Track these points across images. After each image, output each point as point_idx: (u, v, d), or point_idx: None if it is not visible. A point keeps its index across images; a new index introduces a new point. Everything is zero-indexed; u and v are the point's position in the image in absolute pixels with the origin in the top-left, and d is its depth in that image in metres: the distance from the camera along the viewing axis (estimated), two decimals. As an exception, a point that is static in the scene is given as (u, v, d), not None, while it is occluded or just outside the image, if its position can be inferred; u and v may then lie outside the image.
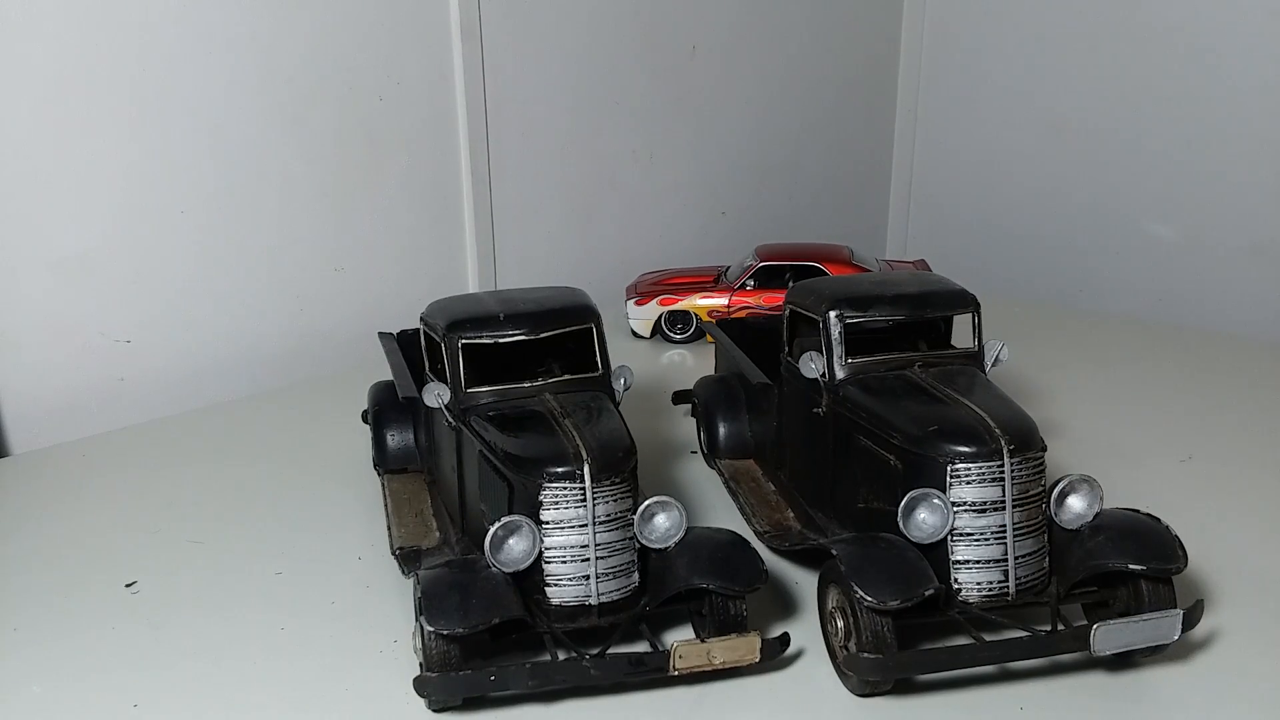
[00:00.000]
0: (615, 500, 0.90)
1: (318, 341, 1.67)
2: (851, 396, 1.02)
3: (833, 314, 1.04)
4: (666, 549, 0.91)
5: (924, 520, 0.90)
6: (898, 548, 0.89)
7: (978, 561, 0.90)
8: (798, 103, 2.24)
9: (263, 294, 1.61)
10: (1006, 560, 0.90)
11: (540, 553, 0.89)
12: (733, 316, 1.67)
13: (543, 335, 1.01)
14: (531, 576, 0.89)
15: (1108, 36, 2.10)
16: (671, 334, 1.77)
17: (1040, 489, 0.92)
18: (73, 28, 1.37)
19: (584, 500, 0.89)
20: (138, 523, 1.18)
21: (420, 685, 0.84)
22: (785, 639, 0.90)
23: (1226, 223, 2.02)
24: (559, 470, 0.89)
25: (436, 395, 0.99)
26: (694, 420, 1.33)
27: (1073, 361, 1.65)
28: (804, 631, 0.95)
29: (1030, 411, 0.96)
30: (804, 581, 1.04)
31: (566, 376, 1.02)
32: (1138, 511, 0.93)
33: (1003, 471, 0.90)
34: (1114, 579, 0.91)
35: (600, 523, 0.89)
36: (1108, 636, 0.85)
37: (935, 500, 0.90)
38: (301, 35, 1.56)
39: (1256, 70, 1.93)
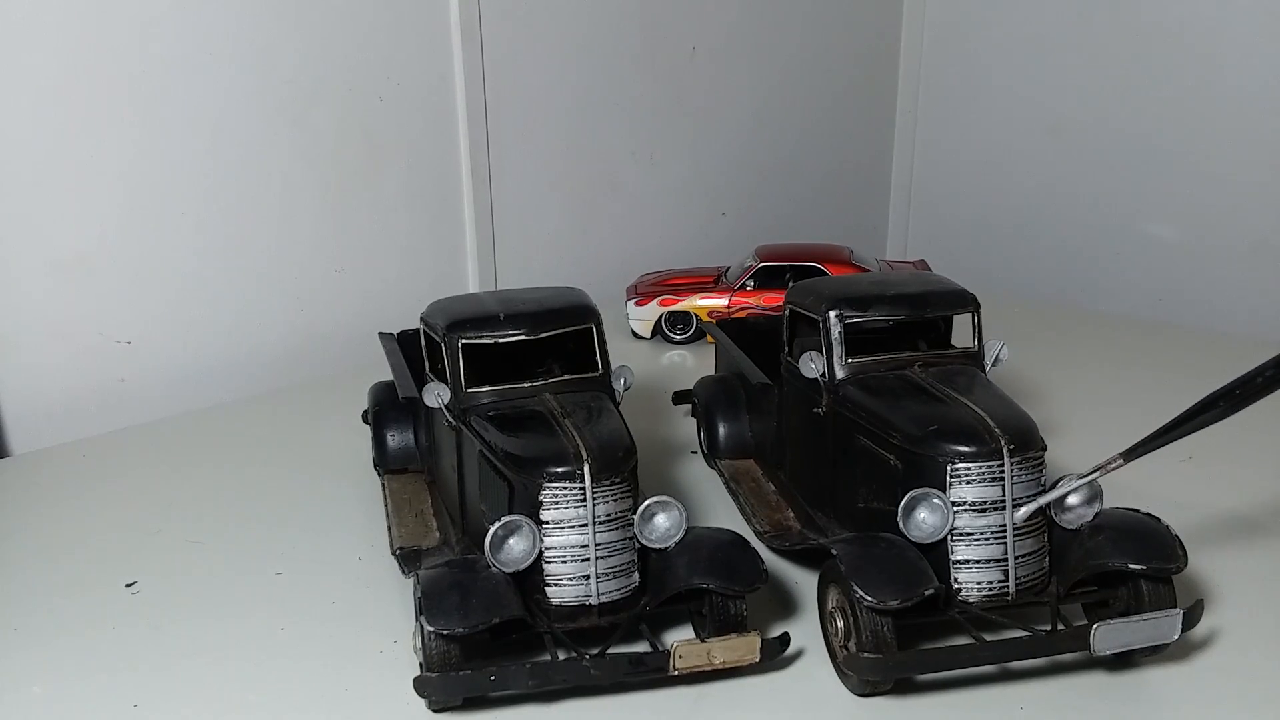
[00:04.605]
0: (615, 500, 0.90)
1: (318, 342, 1.67)
2: (851, 396, 1.02)
3: (833, 314, 1.04)
4: (666, 549, 0.91)
5: (924, 520, 0.90)
6: (898, 547, 0.89)
7: (978, 561, 0.90)
8: (798, 103, 2.24)
9: (263, 295, 1.61)
10: (1006, 560, 0.90)
11: (540, 553, 0.89)
12: (733, 317, 1.67)
13: (543, 335, 1.01)
14: (531, 576, 0.89)
15: (1108, 36, 2.10)
16: (671, 334, 1.77)
17: (1040, 489, 0.92)
18: (73, 27, 1.37)
19: (584, 500, 0.89)
20: (138, 523, 1.18)
21: (420, 685, 0.84)
22: (785, 639, 0.90)
23: (1226, 223, 2.02)
24: (559, 470, 0.89)
25: (436, 395, 0.99)
26: (694, 420, 1.33)
27: (1073, 361, 1.65)
28: (804, 631, 0.95)
29: (1030, 411, 0.96)
30: (804, 581, 1.04)
31: (566, 376, 1.02)
32: (1138, 511, 0.93)
33: (1002, 471, 0.90)
34: (1114, 579, 0.91)
35: (600, 523, 0.89)
36: (1108, 636, 0.85)
37: (935, 500, 0.90)
38: (301, 36, 1.56)
39: (1256, 70, 1.93)
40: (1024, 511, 0.90)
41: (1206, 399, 0.80)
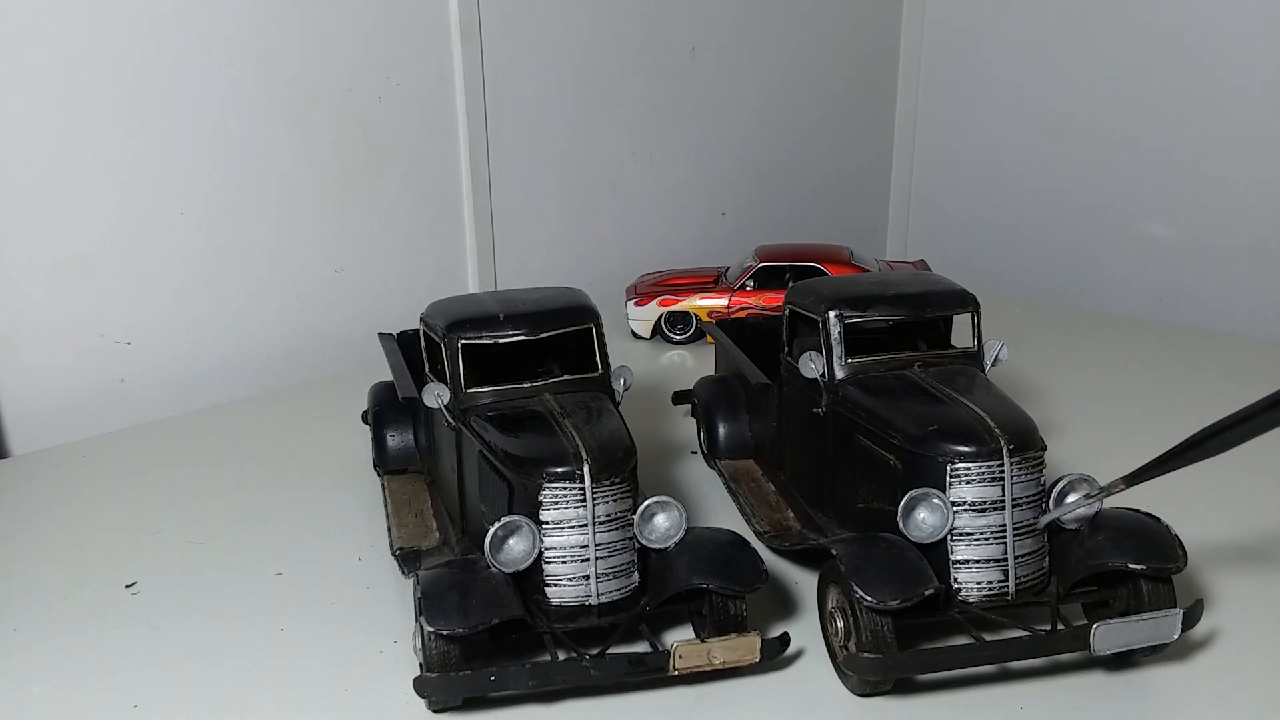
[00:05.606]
0: (615, 500, 0.90)
1: (318, 342, 1.67)
2: (851, 396, 1.02)
3: (832, 314, 1.04)
4: (666, 549, 0.91)
5: (924, 520, 0.90)
6: (898, 547, 0.89)
7: (977, 561, 0.90)
8: (798, 103, 2.24)
9: (263, 295, 1.61)
10: (1006, 560, 0.90)
11: (540, 553, 0.89)
12: (733, 317, 1.67)
13: (542, 335, 1.01)
14: (531, 576, 0.89)
15: (1108, 36, 2.10)
16: (671, 334, 1.77)
17: (1039, 489, 0.92)
18: (74, 28, 1.37)
19: (584, 500, 0.89)
20: (138, 523, 1.18)
21: (420, 685, 0.84)
22: (785, 639, 0.90)
23: (1226, 222, 2.02)
24: (559, 470, 0.89)
25: (436, 396, 0.99)
26: (694, 420, 1.33)
27: (1073, 361, 1.65)
28: (804, 631, 0.95)
29: (1030, 411, 0.96)
30: (804, 581, 1.04)
31: (566, 377, 1.02)
32: (1138, 511, 0.93)
33: (1002, 471, 0.90)
34: (1114, 579, 0.92)
35: (600, 523, 0.89)
36: (1108, 636, 0.85)
37: (935, 500, 0.90)
38: (301, 37, 1.56)
39: (1256, 70, 1.94)
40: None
41: (1214, 425, 0.79)
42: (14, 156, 1.36)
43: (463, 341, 1.00)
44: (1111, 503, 0.93)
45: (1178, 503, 1.00)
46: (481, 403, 0.99)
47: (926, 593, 0.86)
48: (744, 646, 0.86)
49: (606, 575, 0.90)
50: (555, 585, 0.89)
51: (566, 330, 1.03)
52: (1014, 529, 0.90)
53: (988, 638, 0.87)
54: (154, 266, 1.50)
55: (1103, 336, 1.80)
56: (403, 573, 1.01)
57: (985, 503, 0.90)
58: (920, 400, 0.98)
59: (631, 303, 1.77)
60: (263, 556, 1.10)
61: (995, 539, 0.90)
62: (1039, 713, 0.86)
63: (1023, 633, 0.87)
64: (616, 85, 1.94)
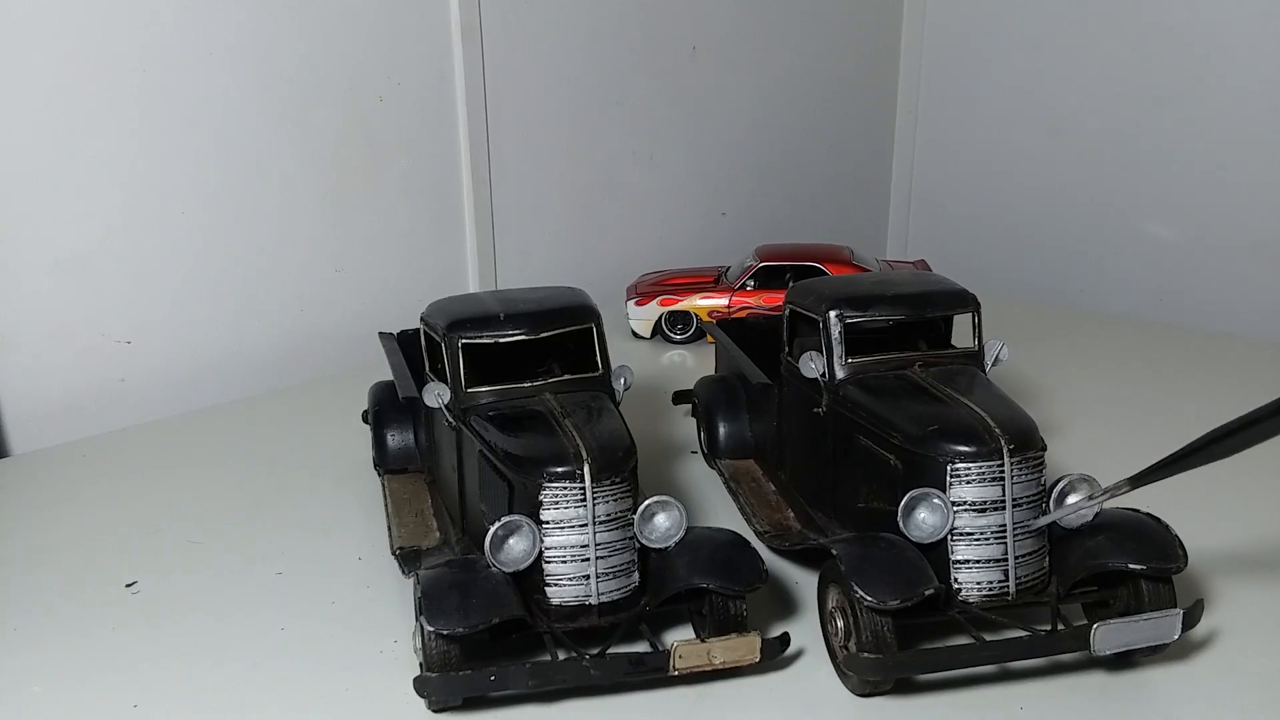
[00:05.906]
0: (615, 500, 0.90)
1: (318, 342, 1.67)
2: (851, 396, 1.02)
3: (833, 314, 1.04)
4: (666, 549, 0.91)
5: (924, 520, 0.90)
6: (898, 547, 0.89)
7: (978, 561, 0.90)
8: (798, 103, 2.24)
9: (263, 295, 1.61)
10: (1006, 560, 0.90)
11: (540, 552, 0.89)
12: (733, 317, 1.67)
13: (543, 335, 1.01)
14: (531, 576, 0.89)
15: (1108, 36, 2.10)
16: (671, 334, 1.77)
17: (1040, 489, 0.92)
18: (74, 28, 1.37)
19: (584, 500, 0.89)
20: (138, 523, 1.18)
21: (420, 685, 0.84)
22: (785, 639, 0.90)
23: (1227, 223, 2.02)
24: (559, 470, 0.89)
25: (436, 395, 0.99)
26: (694, 420, 1.33)
27: (1073, 361, 1.65)
28: (804, 631, 0.95)
29: (1030, 411, 0.96)
30: (804, 581, 1.04)
31: (566, 376, 1.02)
32: (1138, 511, 0.93)
33: (1002, 471, 0.90)
34: (1114, 579, 0.92)
35: (600, 523, 0.89)
36: (1108, 636, 0.85)
37: (935, 500, 0.90)
38: (301, 36, 1.56)
39: (1256, 70, 1.93)
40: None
41: (1222, 428, 0.78)
42: (14, 156, 1.36)
43: (463, 341, 1.00)
44: (1112, 503, 0.93)
45: (1178, 503, 1.00)
46: (482, 402, 0.99)
47: (926, 593, 0.86)
48: (744, 646, 0.86)
49: (607, 575, 0.90)
50: (555, 585, 0.89)
51: (567, 330, 1.03)
52: (1014, 529, 0.90)
53: (988, 638, 0.87)
54: (154, 266, 1.50)
55: (1103, 336, 1.80)
56: (403, 572, 1.01)
57: (985, 503, 0.90)
58: (920, 400, 0.98)
59: (631, 303, 1.77)
60: (263, 556, 1.10)
61: (995, 539, 0.90)
62: (1039, 713, 0.86)
63: (1023, 633, 0.87)
64: (616, 85, 1.94)
